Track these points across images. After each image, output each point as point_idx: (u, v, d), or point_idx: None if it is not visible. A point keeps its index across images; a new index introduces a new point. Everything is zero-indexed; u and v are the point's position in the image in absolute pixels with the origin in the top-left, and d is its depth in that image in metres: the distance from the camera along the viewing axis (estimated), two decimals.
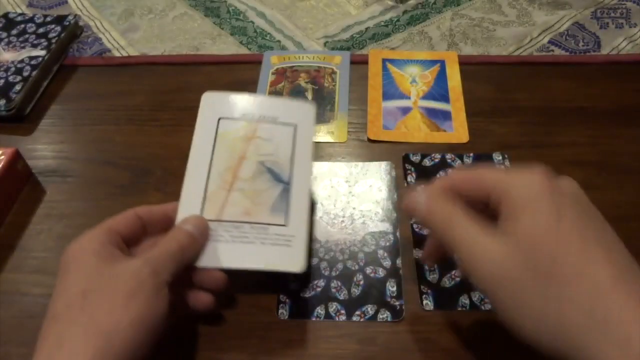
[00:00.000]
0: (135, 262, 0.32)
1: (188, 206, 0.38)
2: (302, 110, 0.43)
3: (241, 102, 0.42)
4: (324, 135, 0.50)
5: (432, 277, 0.40)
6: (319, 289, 0.40)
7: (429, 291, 0.39)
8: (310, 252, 0.41)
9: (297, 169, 0.40)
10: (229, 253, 0.36)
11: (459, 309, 0.38)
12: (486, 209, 0.30)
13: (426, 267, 0.40)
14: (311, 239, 0.42)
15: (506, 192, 0.29)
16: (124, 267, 0.32)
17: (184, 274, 0.35)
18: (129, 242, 0.35)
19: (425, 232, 0.42)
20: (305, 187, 0.39)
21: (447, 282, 0.40)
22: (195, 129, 0.41)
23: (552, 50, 0.57)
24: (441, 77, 0.55)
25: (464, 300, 0.39)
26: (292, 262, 0.36)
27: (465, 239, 0.29)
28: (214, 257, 0.36)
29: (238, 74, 0.57)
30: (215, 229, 0.37)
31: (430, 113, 0.52)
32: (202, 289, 0.36)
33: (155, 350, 0.31)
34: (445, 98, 0.53)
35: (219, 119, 0.41)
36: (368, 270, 0.40)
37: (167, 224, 0.37)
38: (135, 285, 0.31)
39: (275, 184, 0.39)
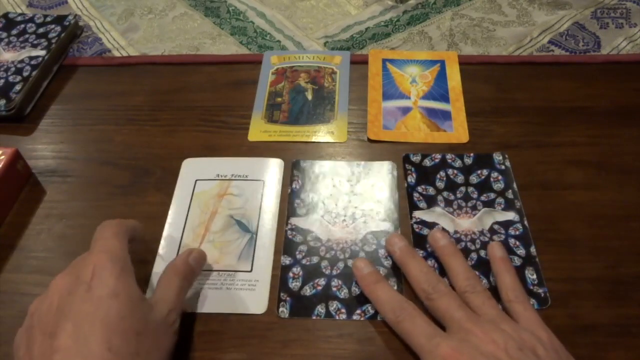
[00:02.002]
0: (163, 310, 0.34)
1: (164, 258, 0.42)
2: (271, 166, 0.48)
3: (216, 164, 0.48)
4: (324, 135, 0.50)
5: None
6: (319, 288, 0.40)
7: None
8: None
9: (264, 219, 0.44)
10: (199, 298, 0.39)
11: None
12: None
13: None
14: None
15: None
16: (160, 316, 0.33)
17: None
18: None
19: (425, 232, 0.42)
20: (270, 235, 0.43)
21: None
22: (175, 190, 0.46)
23: (552, 50, 0.57)
24: (441, 77, 0.55)
25: None
26: (256, 304, 0.39)
27: None
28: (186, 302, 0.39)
29: (238, 74, 0.57)
30: None
31: (430, 113, 0.52)
32: None
33: None
34: (445, 98, 0.53)
35: (196, 181, 0.47)
36: None
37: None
38: (171, 334, 0.34)
39: (243, 234, 0.43)
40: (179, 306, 0.35)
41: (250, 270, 0.41)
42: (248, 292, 0.40)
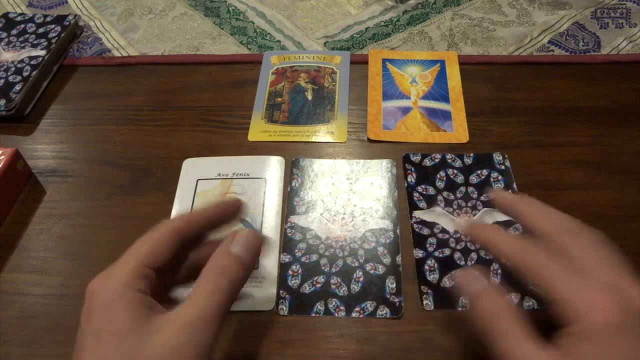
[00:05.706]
0: (173, 335, 0.26)
1: None
2: (272, 164, 0.48)
3: (217, 163, 0.48)
4: (324, 135, 0.50)
5: (433, 277, 0.40)
6: (318, 285, 0.40)
7: (429, 291, 0.39)
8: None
9: (268, 216, 0.44)
10: None
11: (460, 309, 0.38)
12: None
13: (426, 267, 0.40)
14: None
15: (581, 314, 0.26)
16: (161, 344, 0.26)
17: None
18: (165, 270, 0.30)
19: (425, 232, 0.42)
20: (275, 232, 0.43)
21: (447, 283, 0.40)
22: (177, 190, 0.46)
23: (552, 50, 0.57)
24: (441, 77, 0.55)
25: (465, 300, 0.38)
26: (263, 302, 0.39)
27: (515, 352, 0.27)
28: None
29: (238, 74, 0.57)
30: None
31: (430, 113, 0.52)
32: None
33: None
34: (445, 98, 0.53)
35: (197, 180, 0.47)
36: (368, 267, 0.40)
37: (213, 230, 0.33)
38: None
39: None
40: (212, 333, 0.27)
41: (257, 268, 0.41)
42: (255, 290, 0.40)
